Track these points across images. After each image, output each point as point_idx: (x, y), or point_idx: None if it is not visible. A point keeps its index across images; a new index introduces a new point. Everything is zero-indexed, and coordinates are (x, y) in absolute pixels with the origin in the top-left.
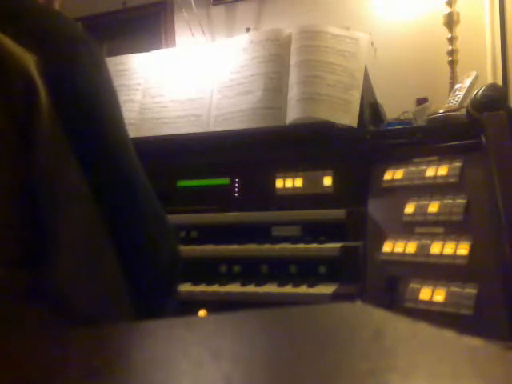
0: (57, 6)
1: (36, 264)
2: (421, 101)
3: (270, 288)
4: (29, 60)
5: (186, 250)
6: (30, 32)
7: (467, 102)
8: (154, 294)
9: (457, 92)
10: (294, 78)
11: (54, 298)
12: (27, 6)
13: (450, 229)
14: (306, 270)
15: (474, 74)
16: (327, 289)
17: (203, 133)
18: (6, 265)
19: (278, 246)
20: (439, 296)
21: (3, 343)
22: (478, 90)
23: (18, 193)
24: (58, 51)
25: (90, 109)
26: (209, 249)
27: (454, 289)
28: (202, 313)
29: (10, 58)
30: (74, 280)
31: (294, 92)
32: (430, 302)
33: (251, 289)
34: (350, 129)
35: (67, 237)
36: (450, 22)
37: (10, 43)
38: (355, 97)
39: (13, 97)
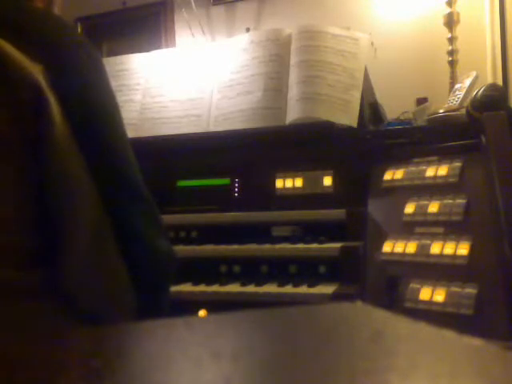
0: (55, 9)
1: (45, 264)
2: (421, 101)
3: (270, 288)
4: (37, 71)
5: (186, 249)
6: (32, 39)
7: (467, 102)
8: (149, 290)
9: (457, 92)
10: (294, 78)
11: (62, 297)
12: (27, 11)
13: (450, 229)
14: (306, 270)
15: (474, 74)
16: (327, 289)
17: (203, 133)
18: (17, 266)
19: (278, 246)
20: (439, 296)
21: (5, 343)
22: (478, 90)
23: (29, 197)
24: (60, 57)
25: (90, 112)
26: (209, 249)
27: (454, 289)
28: (202, 313)
29: (19, 69)
30: (82, 279)
31: (293, 92)
32: (430, 302)
33: (251, 289)
34: (349, 129)
35: (76, 237)
36: (450, 21)
37: (17, 54)
38: (355, 97)
39: (23, 108)
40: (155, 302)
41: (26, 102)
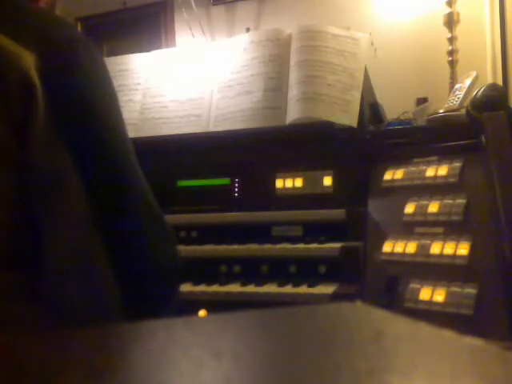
0: (57, 10)
1: (29, 266)
2: (421, 101)
3: (270, 288)
4: (28, 59)
5: (186, 249)
6: (29, 32)
7: (467, 102)
8: (155, 299)
9: (457, 92)
10: (294, 77)
11: (46, 300)
12: (26, 8)
13: (450, 229)
14: (306, 270)
15: (474, 74)
16: (327, 289)
17: (203, 133)
18: (0, 267)
19: (278, 246)
20: (439, 296)
21: (3, 344)
22: (478, 90)
23: (11, 194)
24: (57, 51)
25: (87, 109)
26: (209, 249)
27: (454, 289)
28: (202, 313)
29: (8, 57)
30: (65, 282)
31: (294, 92)
32: (430, 302)
33: (251, 289)
34: (350, 129)
35: (60, 239)
36: (450, 21)
37: (8, 42)
38: (355, 97)
39: (10, 96)
40: (160, 313)
41: (14, 91)
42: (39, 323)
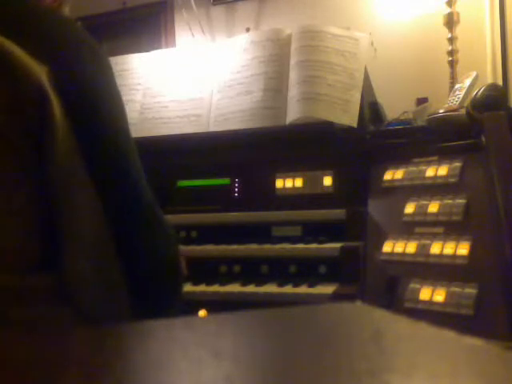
0: (66, 9)
1: (46, 268)
2: (421, 101)
3: (270, 288)
4: (41, 72)
5: (186, 250)
6: (37, 40)
7: (467, 102)
8: (157, 300)
9: (457, 92)
10: (293, 77)
11: (63, 301)
12: (31, 11)
13: (450, 229)
14: (306, 270)
15: (474, 74)
16: (327, 289)
17: (203, 133)
18: (23, 272)
19: (278, 246)
20: (439, 296)
21: (4, 345)
22: (478, 90)
23: (34, 202)
24: (65, 59)
25: (93, 114)
26: (209, 249)
27: (454, 289)
28: (202, 313)
29: (23, 70)
30: (81, 284)
31: (294, 92)
32: (430, 302)
33: (251, 289)
34: (350, 129)
35: (77, 239)
36: (450, 21)
37: (22, 55)
38: (355, 97)
39: (26, 109)
40: (162, 313)
41: (29, 103)
42: (65, 325)
